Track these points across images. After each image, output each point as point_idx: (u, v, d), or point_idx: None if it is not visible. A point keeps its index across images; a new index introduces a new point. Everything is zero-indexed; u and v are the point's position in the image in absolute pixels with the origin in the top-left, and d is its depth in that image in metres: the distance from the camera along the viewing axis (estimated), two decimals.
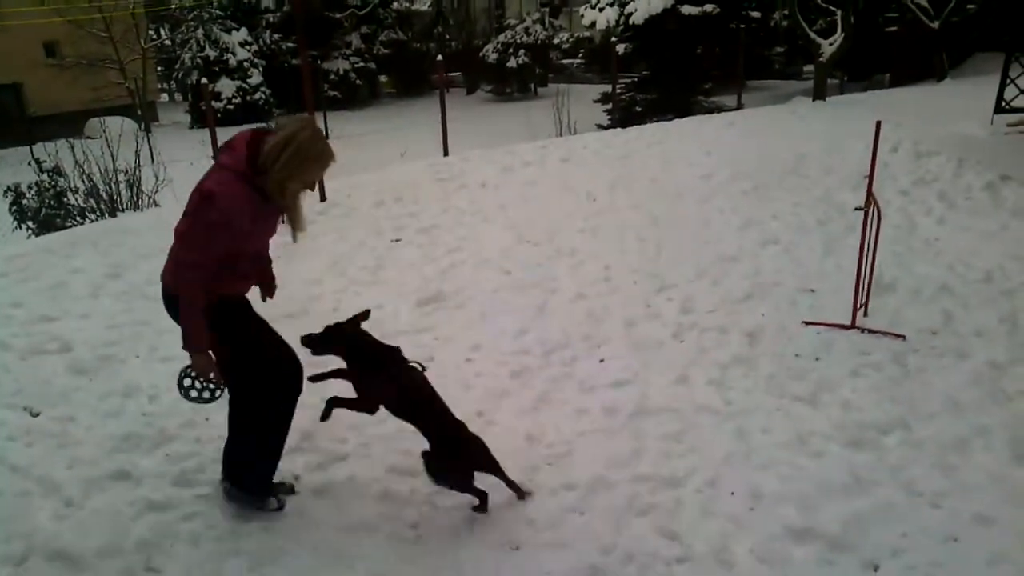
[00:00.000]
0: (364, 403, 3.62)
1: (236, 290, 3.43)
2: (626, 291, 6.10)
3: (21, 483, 3.82)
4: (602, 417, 4.32)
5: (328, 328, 3.59)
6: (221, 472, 3.64)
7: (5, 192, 10.04)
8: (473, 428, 4.23)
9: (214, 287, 3.18)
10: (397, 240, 7.57)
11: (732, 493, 3.60)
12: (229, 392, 3.46)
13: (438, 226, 7.91)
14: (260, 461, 3.57)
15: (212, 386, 3.38)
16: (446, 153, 11.68)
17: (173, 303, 3.24)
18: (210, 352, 3.25)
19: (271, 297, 3.77)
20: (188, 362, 3.28)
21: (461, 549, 3.33)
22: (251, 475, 3.58)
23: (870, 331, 5.14)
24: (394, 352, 3.64)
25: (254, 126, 3.26)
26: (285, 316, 5.89)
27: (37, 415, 4.50)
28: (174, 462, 4.00)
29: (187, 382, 3.37)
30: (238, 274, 3.37)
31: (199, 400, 3.42)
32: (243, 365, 3.38)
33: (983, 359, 4.72)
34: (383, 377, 3.55)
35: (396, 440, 4.17)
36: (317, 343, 3.57)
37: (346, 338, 3.57)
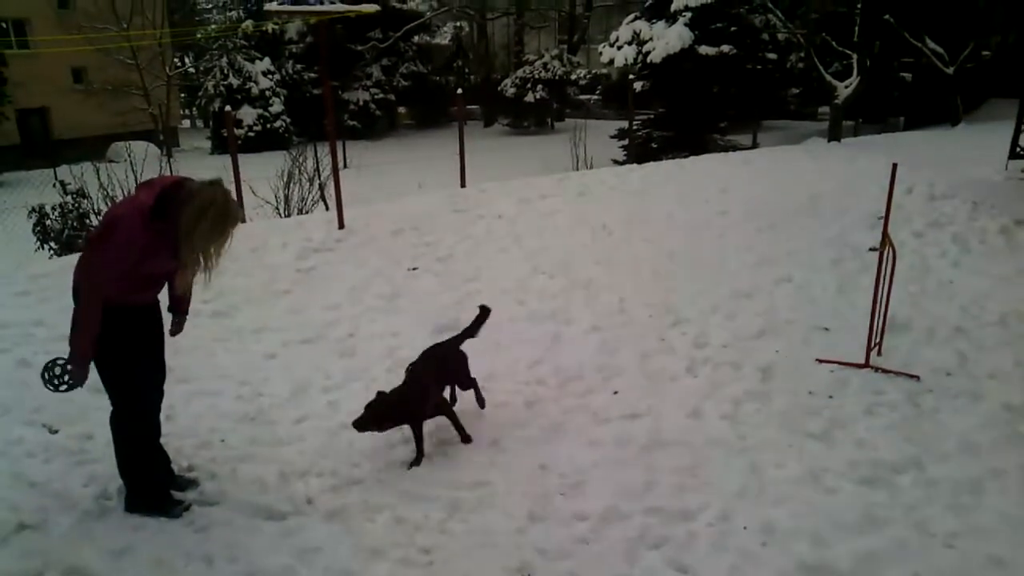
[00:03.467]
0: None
1: (135, 301, 3.59)
2: (640, 324, 6.13)
3: (38, 499, 3.86)
4: (615, 448, 4.33)
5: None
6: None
7: (30, 213, 10.19)
8: (485, 457, 4.29)
9: (115, 293, 3.41)
10: (414, 269, 7.64)
11: (744, 527, 3.60)
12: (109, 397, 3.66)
13: (455, 256, 7.99)
14: (144, 470, 3.77)
15: (71, 381, 3.54)
16: (463, 184, 11.79)
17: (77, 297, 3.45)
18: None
19: (179, 331, 4.02)
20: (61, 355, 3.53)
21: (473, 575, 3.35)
22: (141, 483, 3.76)
23: (884, 370, 5.14)
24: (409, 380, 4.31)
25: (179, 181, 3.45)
26: (302, 341, 6.00)
27: (56, 432, 4.55)
28: (187, 481, 4.03)
29: (57, 371, 3.57)
30: (135, 287, 3.53)
31: (55, 387, 3.60)
32: (115, 371, 3.58)
33: (998, 401, 4.71)
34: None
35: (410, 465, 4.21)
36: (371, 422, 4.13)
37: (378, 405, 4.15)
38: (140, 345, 3.65)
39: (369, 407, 4.12)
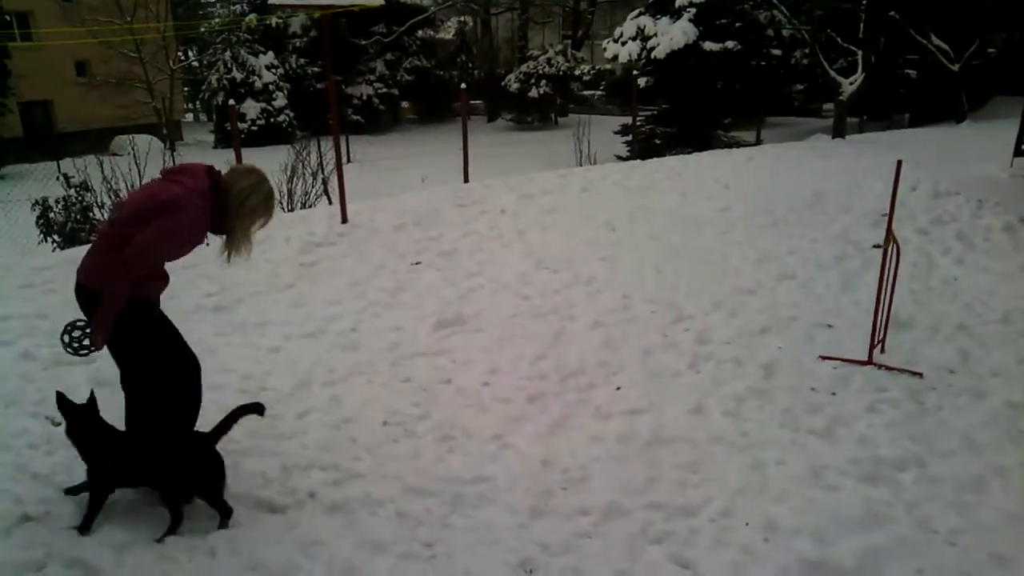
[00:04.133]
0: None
1: (155, 290, 3.69)
2: (643, 320, 6.13)
3: (41, 490, 3.87)
4: (617, 444, 4.34)
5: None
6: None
7: (33, 206, 10.20)
8: (489, 451, 4.30)
9: (137, 288, 3.49)
10: (417, 263, 7.65)
11: (747, 524, 3.60)
12: (134, 398, 3.73)
13: (458, 251, 7.99)
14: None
15: (91, 347, 3.60)
16: (467, 179, 11.78)
17: (89, 297, 3.50)
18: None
19: None
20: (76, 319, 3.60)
21: (475, 571, 3.34)
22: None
23: (887, 368, 5.14)
24: None
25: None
26: (304, 335, 6.00)
27: (59, 424, 4.53)
28: None
29: (77, 334, 3.60)
30: (160, 274, 3.70)
31: (74, 351, 3.64)
32: (149, 367, 3.64)
33: (1001, 399, 4.71)
34: None
35: (413, 459, 4.22)
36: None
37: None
38: (164, 326, 3.75)
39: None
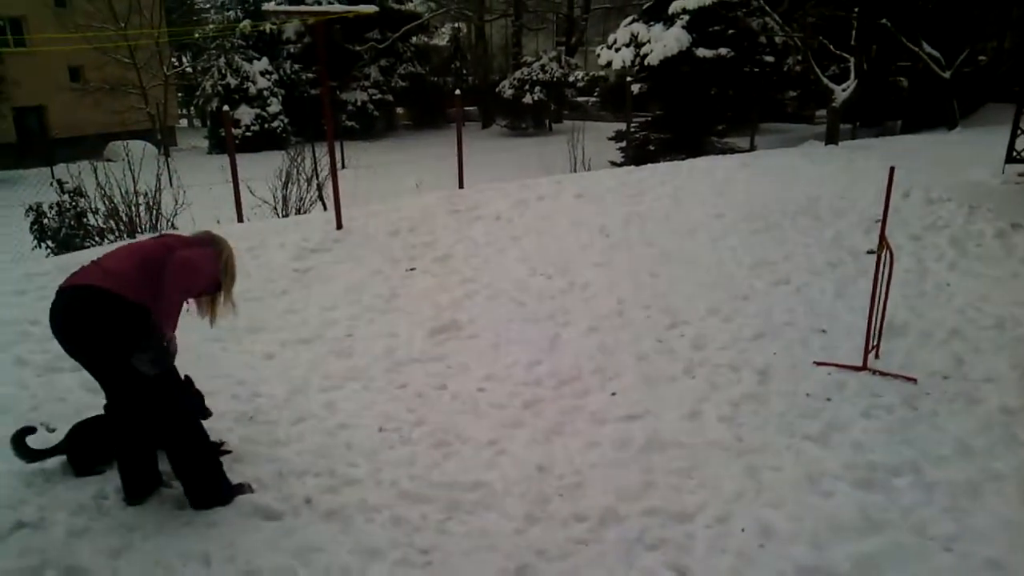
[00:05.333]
0: None
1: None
2: (638, 326, 6.14)
3: (36, 497, 3.85)
4: (613, 450, 4.34)
5: None
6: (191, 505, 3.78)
7: (27, 212, 10.16)
8: (485, 457, 4.30)
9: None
10: (412, 269, 7.64)
11: (742, 529, 3.60)
12: (152, 418, 3.72)
13: (452, 256, 7.99)
14: (211, 468, 3.81)
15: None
16: (461, 185, 11.79)
17: (105, 305, 3.51)
18: None
19: None
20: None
21: None
22: (213, 484, 3.79)
23: (881, 373, 5.15)
24: None
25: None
26: (300, 341, 6.00)
27: (53, 431, 4.53)
28: None
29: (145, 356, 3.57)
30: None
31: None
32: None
33: (995, 404, 4.72)
34: None
35: (408, 466, 4.22)
36: None
37: None
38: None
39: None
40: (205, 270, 3.84)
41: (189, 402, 4.03)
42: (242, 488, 3.88)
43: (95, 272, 3.61)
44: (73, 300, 3.56)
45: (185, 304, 3.91)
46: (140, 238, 4.06)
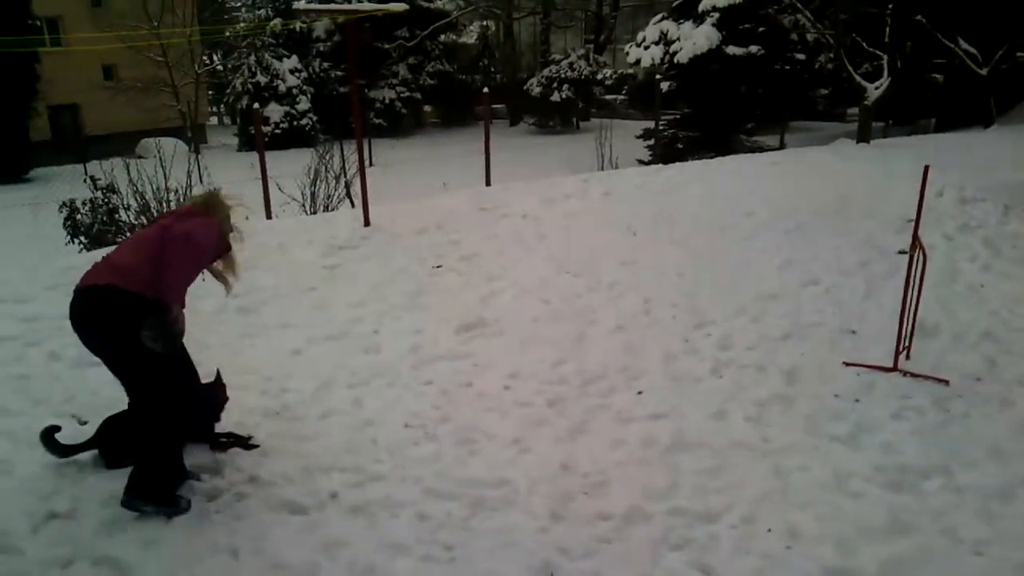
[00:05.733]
0: None
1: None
2: (665, 325, 6.11)
3: (69, 488, 3.92)
4: (639, 449, 4.32)
5: None
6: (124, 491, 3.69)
7: (60, 207, 10.33)
8: (509, 455, 4.30)
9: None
10: (438, 267, 7.66)
11: (768, 530, 3.58)
12: (135, 399, 3.84)
13: (479, 254, 8.00)
14: (166, 467, 3.78)
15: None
16: (488, 183, 11.80)
17: (119, 303, 3.56)
18: None
19: None
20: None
21: (495, 574, 3.35)
22: (158, 483, 3.74)
23: (912, 375, 5.09)
24: None
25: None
26: (326, 338, 6.04)
27: (85, 424, 4.61)
28: (213, 474, 4.08)
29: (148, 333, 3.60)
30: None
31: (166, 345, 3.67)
32: (149, 369, 3.70)
33: None
34: None
35: (433, 462, 4.23)
36: None
37: None
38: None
39: None
40: (207, 239, 3.87)
41: (183, 393, 3.99)
42: (181, 502, 3.78)
43: (104, 269, 3.69)
44: (86, 300, 3.64)
45: (200, 276, 4.03)
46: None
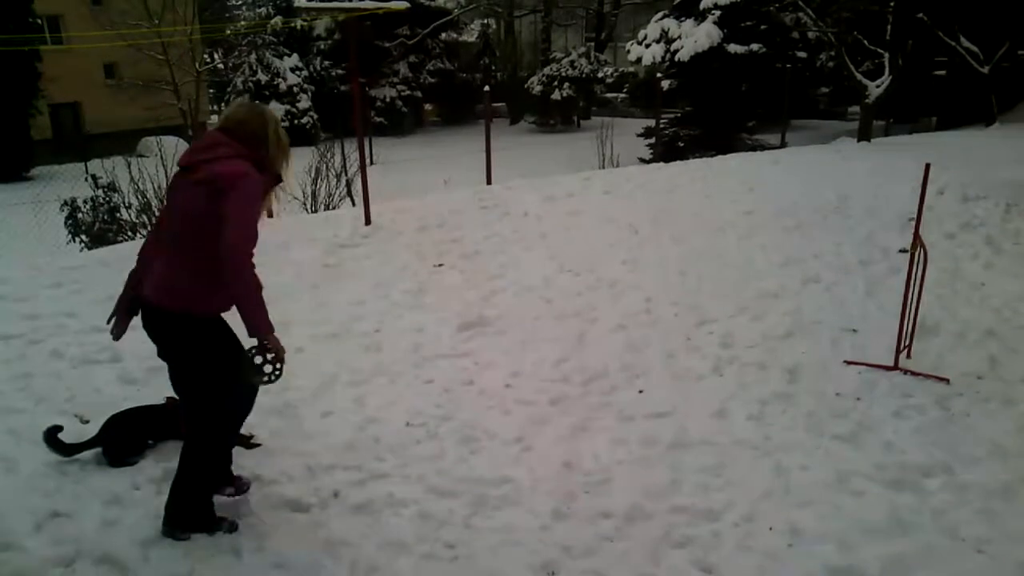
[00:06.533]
0: None
1: (224, 300, 3.33)
2: (666, 323, 6.11)
3: (71, 487, 3.93)
4: (640, 447, 4.33)
5: None
6: (163, 522, 3.54)
7: (61, 206, 10.34)
8: (511, 453, 4.30)
9: (212, 300, 3.31)
10: (439, 265, 7.67)
11: (770, 529, 3.58)
12: (190, 412, 3.49)
13: (480, 253, 8.00)
14: (205, 490, 3.59)
15: (281, 365, 3.31)
16: (489, 182, 11.81)
17: (179, 322, 3.28)
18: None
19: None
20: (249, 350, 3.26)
21: (497, 572, 3.35)
22: (201, 510, 3.57)
23: (913, 373, 5.09)
24: None
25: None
26: (329, 336, 6.04)
27: (87, 422, 4.61)
28: None
29: (267, 367, 3.27)
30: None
31: (272, 380, 3.31)
32: (212, 385, 3.39)
33: None
34: None
35: (435, 461, 4.23)
36: None
37: None
38: (233, 346, 3.45)
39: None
40: (256, 187, 3.24)
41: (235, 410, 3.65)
42: (223, 525, 3.60)
43: (155, 286, 3.33)
44: (153, 322, 3.36)
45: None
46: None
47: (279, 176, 3.50)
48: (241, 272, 3.12)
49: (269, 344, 3.23)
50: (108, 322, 3.64)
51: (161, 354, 3.45)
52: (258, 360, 3.24)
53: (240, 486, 3.86)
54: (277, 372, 3.30)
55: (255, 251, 3.20)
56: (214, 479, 3.67)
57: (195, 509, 3.55)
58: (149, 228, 10.39)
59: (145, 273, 3.48)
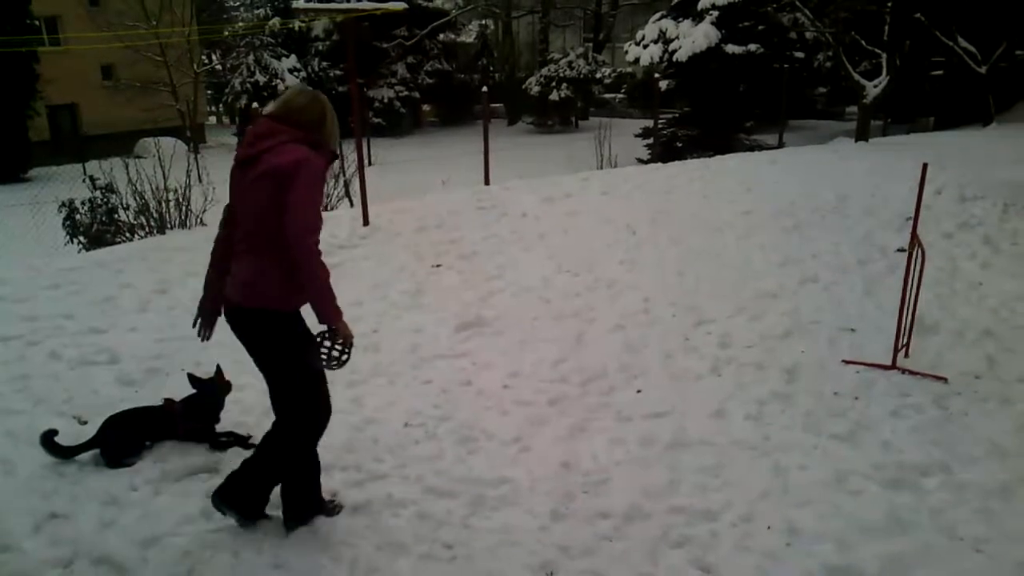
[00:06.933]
0: None
1: (301, 299, 3.36)
2: (664, 324, 6.12)
3: (69, 488, 3.93)
4: (639, 447, 4.33)
5: None
6: (284, 517, 3.60)
7: (59, 207, 10.32)
8: (510, 453, 4.30)
9: (291, 294, 3.28)
10: (438, 266, 7.67)
11: (768, 528, 3.58)
12: (283, 407, 3.48)
13: (478, 253, 8.00)
14: (313, 485, 3.65)
15: (349, 351, 3.35)
16: (487, 182, 11.81)
17: (264, 320, 3.29)
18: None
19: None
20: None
21: (495, 572, 3.35)
22: (309, 503, 3.63)
23: (911, 372, 5.09)
24: None
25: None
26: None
27: (85, 423, 4.61)
28: (213, 474, 4.07)
29: (325, 346, 3.29)
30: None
31: (342, 365, 3.37)
32: (303, 378, 3.40)
33: None
34: None
35: (434, 461, 4.23)
36: None
37: None
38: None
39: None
40: (317, 171, 3.21)
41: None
42: (335, 509, 3.74)
43: (237, 286, 3.31)
44: (238, 322, 3.37)
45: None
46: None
47: (334, 153, 3.47)
48: (308, 260, 3.12)
49: (339, 331, 3.26)
50: (194, 326, 3.65)
51: (249, 352, 3.45)
52: (327, 346, 3.28)
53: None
54: (345, 358, 3.35)
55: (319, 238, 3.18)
56: (318, 467, 3.65)
57: (310, 500, 3.61)
58: (146, 229, 10.39)
59: (221, 273, 3.47)
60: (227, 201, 3.50)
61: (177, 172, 10.88)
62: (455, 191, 11.33)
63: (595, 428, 4.58)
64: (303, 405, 3.45)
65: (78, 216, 10.29)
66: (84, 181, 10.53)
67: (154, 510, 3.75)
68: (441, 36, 36.36)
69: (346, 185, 12.17)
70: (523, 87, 34.16)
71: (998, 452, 4.16)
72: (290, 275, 3.19)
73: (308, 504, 3.63)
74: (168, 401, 4.44)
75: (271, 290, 3.25)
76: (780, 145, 17.11)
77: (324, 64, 33.88)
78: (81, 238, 10.30)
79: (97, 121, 27.46)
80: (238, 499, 3.53)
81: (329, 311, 3.22)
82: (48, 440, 4.08)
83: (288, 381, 3.41)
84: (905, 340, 5.29)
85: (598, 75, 34.23)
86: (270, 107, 3.40)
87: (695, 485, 3.95)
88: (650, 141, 20.15)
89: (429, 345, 5.84)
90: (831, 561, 3.33)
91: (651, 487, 3.92)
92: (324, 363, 3.32)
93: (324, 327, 3.27)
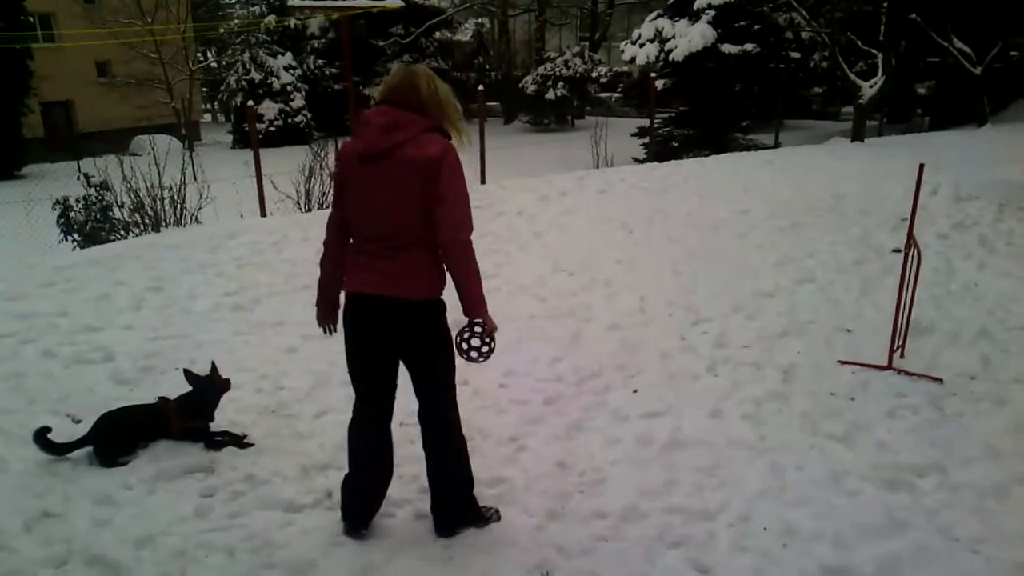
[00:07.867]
0: None
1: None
2: (661, 323, 6.11)
3: (62, 487, 3.90)
4: (635, 447, 4.32)
5: None
6: (436, 529, 3.55)
7: (54, 205, 10.28)
8: (505, 453, 4.29)
9: (441, 283, 3.30)
10: None
11: (765, 528, 3.57)
12: (442, 413, 3.49)
13: None
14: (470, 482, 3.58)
15: (493, 343, 3.33)
16: (483, 181, 11.80)
17: (431, 310, 3.28)
18: None
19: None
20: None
21: (491, 572, 3.34)
22: (472, 502, 3.60)
23: (907, 373, 5.09)
24: None
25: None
26: (321, 335, 5.99)
27: (79, 422, 4.59)
28: (208, 473, 4.06)
29: (475, 342, 3.30)
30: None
31: (486, 357, 3.35)
32: (453, 368, 3.43)
33: (1023, 406, 4.65)
34: None
35: None
36: None
37: None
38: None
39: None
40: (458, 159, 3.17)
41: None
42: (493, 515, 3.65)
43: (389, 278, 3.21)
44: (386, 316, 3.27)
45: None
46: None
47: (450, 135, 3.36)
48: (468, 252, 3.18)
49: (487, 323, 3.27)
50: (320, 324, 3.71)
51: (384, 350, 3.38)
52: (475, 341, 3.29)
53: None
54: (488, 350, 3.35)
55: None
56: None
57: (471, 502, 3.58)
58: (141, 227, 10.34)
59: (337, 271, 3.49)
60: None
61: (172, 170, 10.83)
62: None
63: (591, 427, 4.57)
64: (453, 390, 3.48)
65: (72, 213, 10.24)
66: (78, 178, 10.49)
67: (148, 509, 3.73)
68: (437, 34, 36.35)
69: None
70: (519, 86, 34.17)
71: (994, 453, 4.16)
72: (439, 266, 3.23)
73: (469, 505, 3.57)
74: (162, 399, 4.43)
75: (428, 279, 3.25)
76: (776, 145, 17.14)
77: (320, 62, 33.86)
78: (75, 236, 10.25)
79: (92, 118, 27.45)
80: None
81: (482, 304, 3.25)
82: (41, 437, 4.06)
83: (449, 368, 3.42)
84: (901, 341, 5.29)
85: (594, 74, 34.26)
86: (383, 94, 3.26)
87: (692, 485, 3.94)
88: (646, 140, 20.12)
89: None
90: (827, 561, 3.32)
91: (647, 487, 3.91)
92: (469, 356, 3.32)
93: (470, 320, 3.27)
